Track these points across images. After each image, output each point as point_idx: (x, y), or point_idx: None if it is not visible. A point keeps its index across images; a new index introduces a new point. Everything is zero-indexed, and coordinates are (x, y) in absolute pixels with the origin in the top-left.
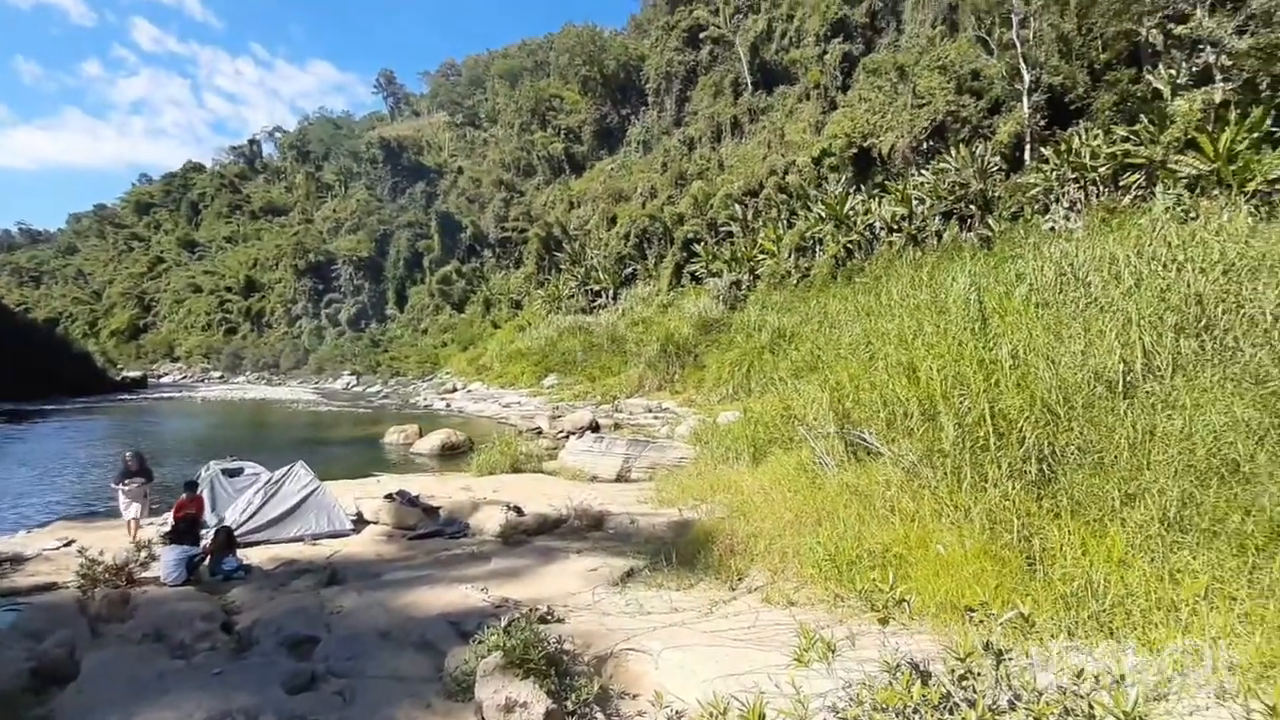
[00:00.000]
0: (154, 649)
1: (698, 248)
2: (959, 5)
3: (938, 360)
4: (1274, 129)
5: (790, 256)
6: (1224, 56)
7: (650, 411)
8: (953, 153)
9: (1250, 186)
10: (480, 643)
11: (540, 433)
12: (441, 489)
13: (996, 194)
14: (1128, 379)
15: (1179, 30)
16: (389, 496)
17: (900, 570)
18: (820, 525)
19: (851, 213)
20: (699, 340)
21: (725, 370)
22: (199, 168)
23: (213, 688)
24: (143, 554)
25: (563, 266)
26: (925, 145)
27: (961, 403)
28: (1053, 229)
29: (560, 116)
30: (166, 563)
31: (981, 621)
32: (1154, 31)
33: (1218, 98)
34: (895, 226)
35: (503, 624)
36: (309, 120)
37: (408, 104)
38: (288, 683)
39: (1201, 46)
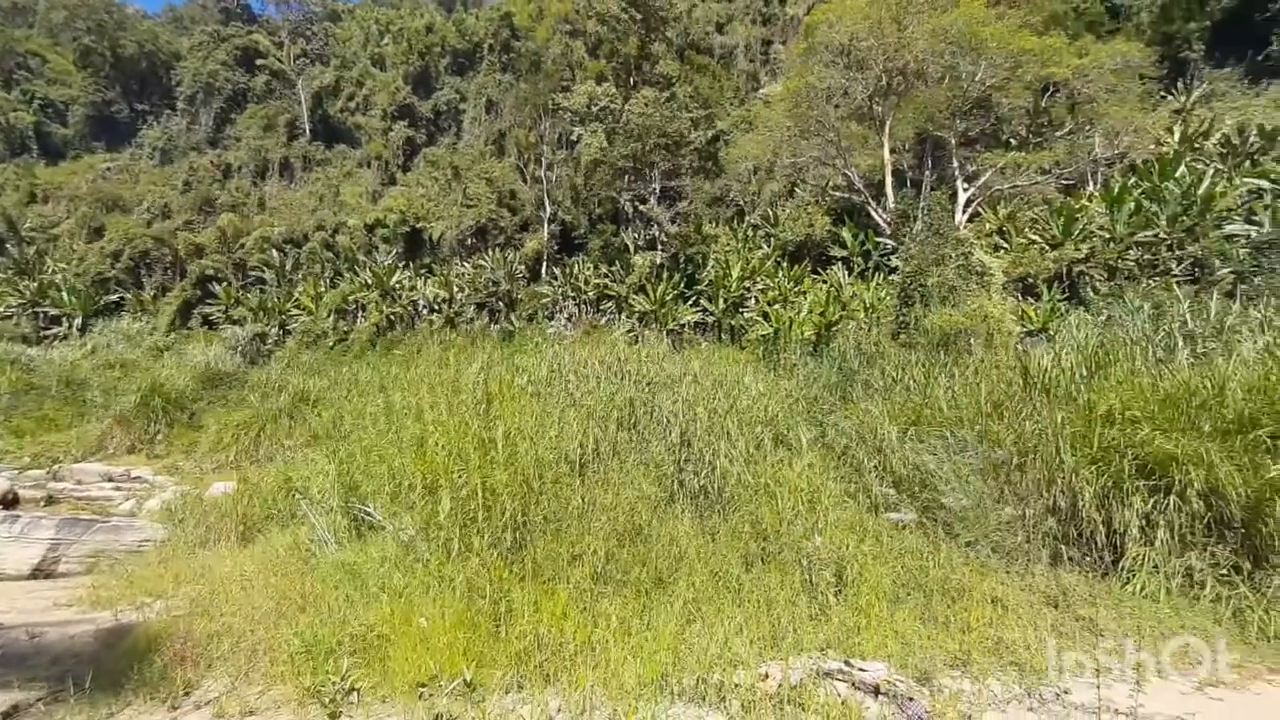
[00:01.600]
0: None
1: (218, 288)
2: (507, 134)
3: (445, 435)
4: (685, 290)
5: (330, 317)
6: (663, 233)
7: (111, 480)
8: (490, 253)
9: (670, 324)
10: None
11: None
12: None
13: (519, 296)
14: (582, 459)
15: (641, 207)
16: None
17: (381, 650)
18: (304, 612)
19: (398, 285)
20: (201, 395)
21: (229, 433)
22: None
23: None
24: None
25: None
26: (469, 240)
27: (460, 476)
28: (555, 332)
29: (39, 83)
30: None
31: (432, 695)
32: (627, 203)
33: (658, 259)
34: (436, 307)
35: None
36: None
37: None
38: None
39: (651, 222)
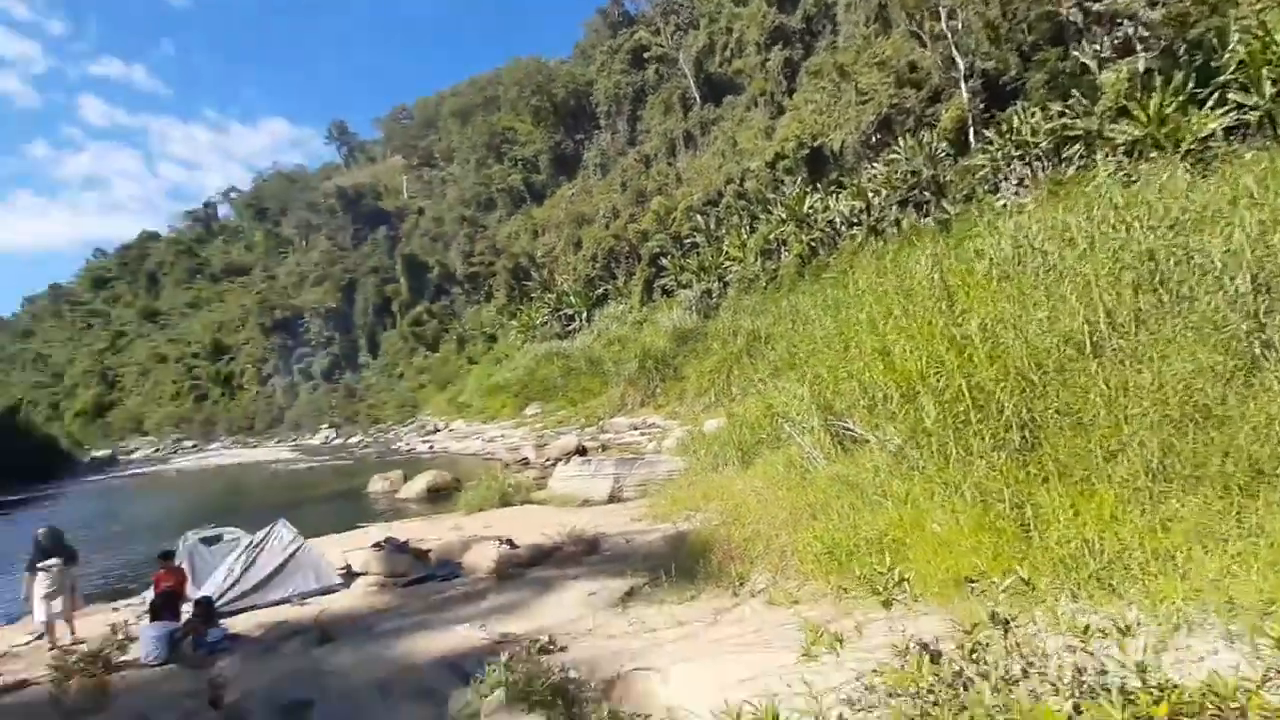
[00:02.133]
0: None
1: (665, 261)
2: (888, 3)
3: (910, 342)
4: (1196, 90)
5: (756, 260)
6: (1141, 28)
7: (636, 428)
8: (901, 143)
9: (1184, 146)
10: (482, 682)
11: (527, 463)
12: (431, 531)
13: (948, 178)
14: (1094, 339)
15: (1096, 7)
16: (377, 545)
17: (898, 554)
18: (815, 519)
19: (811, 211)
20: (676, 352)
21: (705, 379)
22: (154, 236)
23: None
24: (119, 636)
25: (533, 295)
26: (874, 139)
27: (938, 380)
28: (1005, 206)
29: (516, 148)
30: (145, 641)
31: (983, 592)
32: (1074, 10)
33: (1141, 66)
34: (854, 220)
35: (503, 660)
36: (264, 177)
37: (362, 151)
38: None
39: (1119, 20)
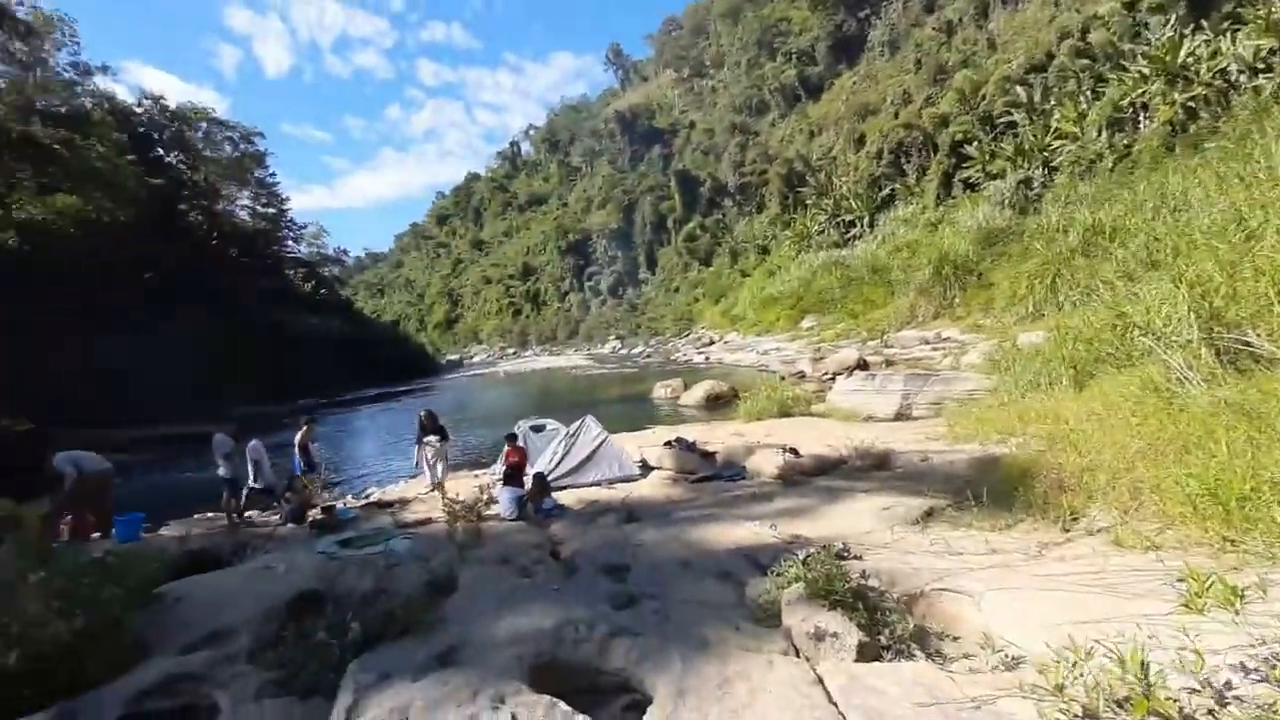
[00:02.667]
0: (505, 570)
1: (969, 149)
2: None
3: None
4: None
5: (1100, 135)
6: None
7: (927, 343)
8: None
9: None
10: (779, 574)
11: (803, 376)
12: (714, 436)
13: None
14: None
15: None
16: (668, 444)
17: None
18: (1187, 454)
19: (1191, 60)
20: (981, 256)
21: (1021, 285)
22: (476, 176)
23: (554, 601)
24: (485, 496)
25: (808, 202)
26: None
27: None
28: None
29: (790, 40)
30: (504, 502)
31: None
32: None
33: None
34: (1261, 66)
35: (801, 556)
36: (554, 112)
37: (636, 72)
38: (611, 601)
39: None
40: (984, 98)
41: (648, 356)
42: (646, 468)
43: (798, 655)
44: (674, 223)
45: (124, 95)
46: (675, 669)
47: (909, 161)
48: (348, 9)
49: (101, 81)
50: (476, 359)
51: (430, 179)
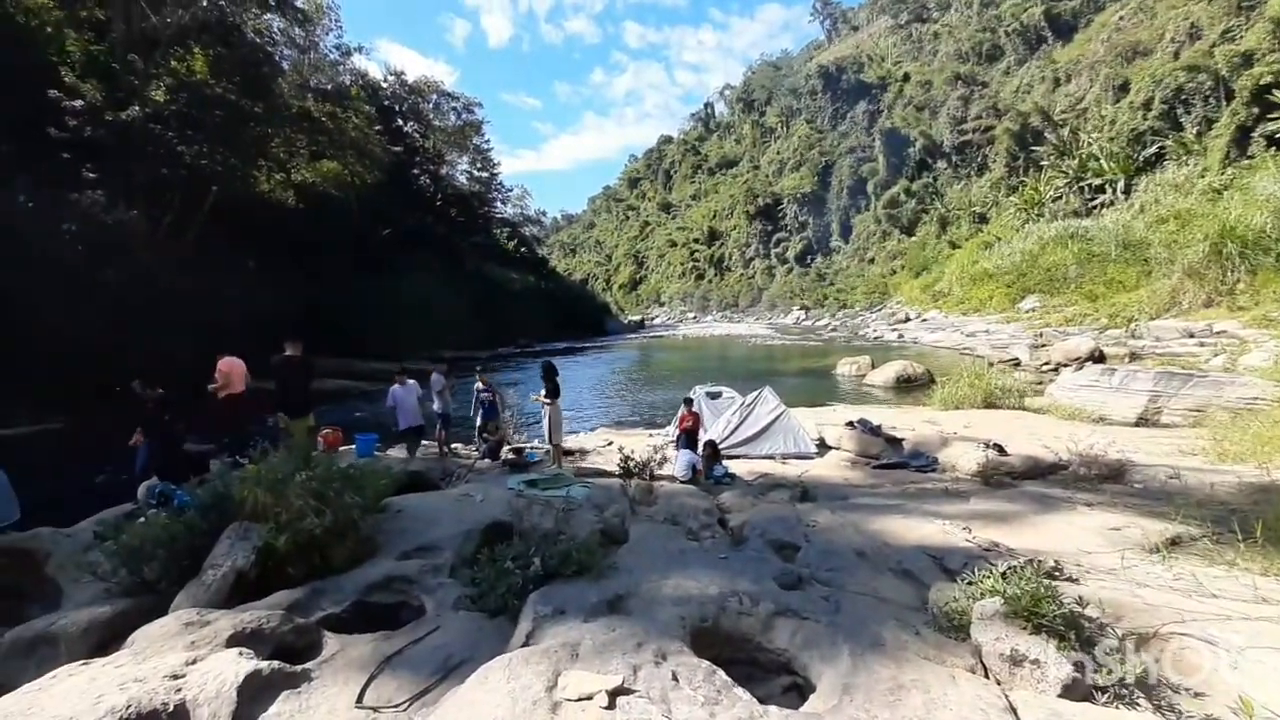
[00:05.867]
0: (673, 530)
1: (1279, 96)
2: None
3: None
4: None
5: None
6: None
7: (1191, 336)
8: None
9: None
10: (971, 583)
11: (1018, 364)
12: (902, 420)
13: None
14: None
15: None
16: (850, 424)
17: None
18: None
19: None
20: None
21: None
22: (668, 139)
23: (720, 569)
24: (658, 455)
25: (1044, 163)
26: None
27: None
28: None
29: None
30: (678, 463)
31: None
32: None
33: None
34: None
35: (999, 569)
36: (751, 70)
37: (845, 21)
38: (778, 579)
39: None
40: None
41: (833, 330)
42: (824, 446)
43: (987, 676)
44: (875, 187)
45: (375, 72)
46: (843, 662)
47: (1189, 113)
48: None
49: (358, 60)
50: (657, 321)
51: (627, 141)
